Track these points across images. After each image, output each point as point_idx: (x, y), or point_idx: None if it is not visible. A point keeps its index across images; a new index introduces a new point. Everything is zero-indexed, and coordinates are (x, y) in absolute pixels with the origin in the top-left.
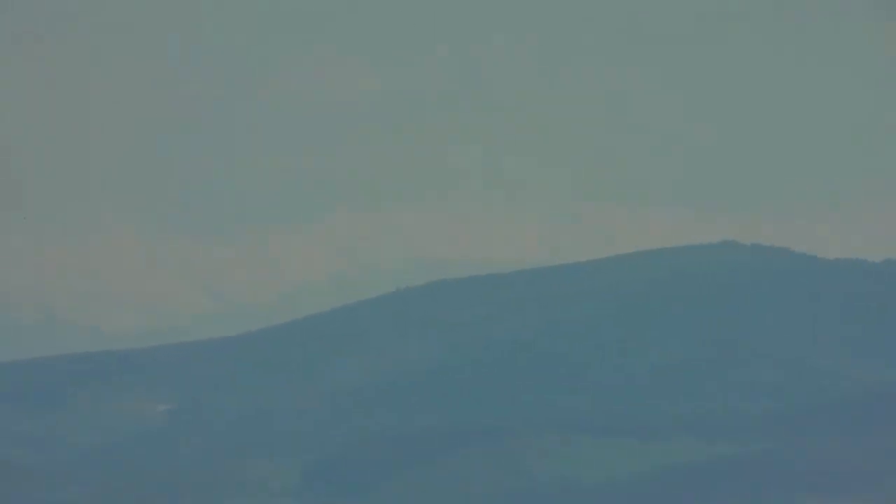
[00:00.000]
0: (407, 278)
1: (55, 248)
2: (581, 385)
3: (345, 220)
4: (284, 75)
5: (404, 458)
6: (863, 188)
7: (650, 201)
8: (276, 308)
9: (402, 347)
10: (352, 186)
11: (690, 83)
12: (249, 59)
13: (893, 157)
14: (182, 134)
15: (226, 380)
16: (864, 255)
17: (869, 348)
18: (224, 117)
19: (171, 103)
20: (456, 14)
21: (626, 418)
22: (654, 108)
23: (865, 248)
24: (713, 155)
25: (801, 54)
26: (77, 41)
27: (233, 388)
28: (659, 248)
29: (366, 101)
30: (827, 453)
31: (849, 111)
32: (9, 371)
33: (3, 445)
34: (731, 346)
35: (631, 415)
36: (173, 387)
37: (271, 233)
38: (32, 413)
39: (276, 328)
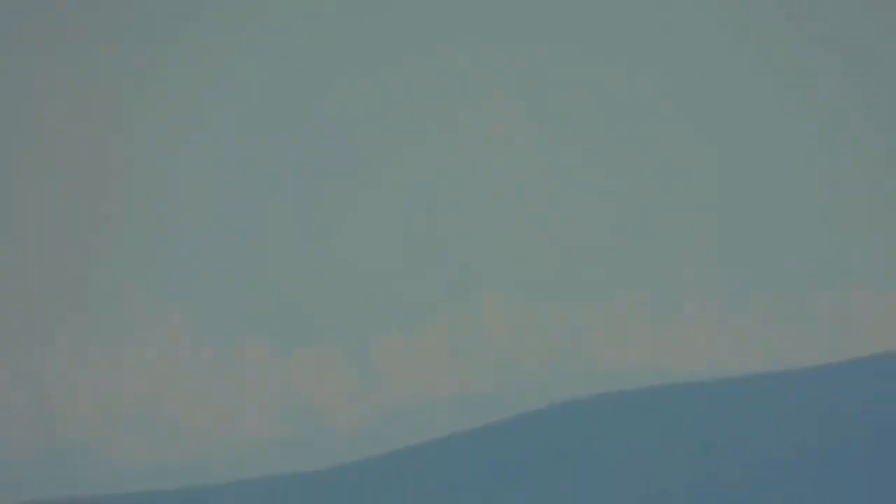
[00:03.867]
0: (561, 389)
1: (63, 362)
2: None
3: (470, 317)
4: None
5: None
6: None
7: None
8: (380, 433)
9: (571, 489)
10: (475, 274)
11: None
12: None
13: None
14: (251, 208)
15: None
16: None
17: None
18: (312, 181)
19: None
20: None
21: None
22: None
23: None
24: None
25: None
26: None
27: None
28: None
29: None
30: None
31: None
32: None
33: None
34: None
35: None
36: None
37: (372, 335)
38: None
39: (378, 459)
